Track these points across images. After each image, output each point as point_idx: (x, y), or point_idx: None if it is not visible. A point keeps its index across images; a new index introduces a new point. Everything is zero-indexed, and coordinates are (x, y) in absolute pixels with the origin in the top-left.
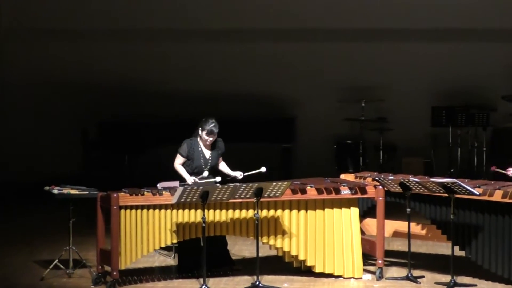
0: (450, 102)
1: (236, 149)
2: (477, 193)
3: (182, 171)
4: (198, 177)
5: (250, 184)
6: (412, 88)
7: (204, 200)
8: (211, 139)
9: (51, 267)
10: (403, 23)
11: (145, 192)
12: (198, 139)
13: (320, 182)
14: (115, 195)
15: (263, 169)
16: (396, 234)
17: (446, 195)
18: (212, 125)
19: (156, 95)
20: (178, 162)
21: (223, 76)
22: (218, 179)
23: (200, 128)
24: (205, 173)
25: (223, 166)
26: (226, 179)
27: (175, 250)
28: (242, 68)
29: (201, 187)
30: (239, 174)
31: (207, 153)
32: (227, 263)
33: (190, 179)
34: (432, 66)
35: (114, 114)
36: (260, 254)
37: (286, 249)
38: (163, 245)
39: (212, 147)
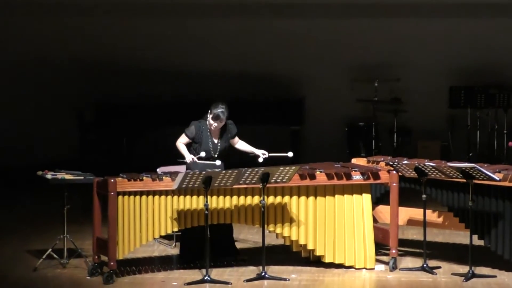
0: (469, 82)
1: (241, 132)
2: (497, 179)
3: (183, 149)
4: (196, 156)
5: (256, 169)
6: (429, 67)
7: (207, 185)
8: (216, 124)
9: (44, 257)
10: None
11: (144, 177)
12: (207, 122)
13: (330, 167)
14: (112, 180)
15: (290, 154)
16: (411, 222)
17: (464, 180)
18: (220, 110)
19: (157, 74)
20: (181, 141)
21: (227, 54)
22: (218, 162)
23: (209, 112)
24: (202, 153)
25: (242, 145)
26: (249, 155)
27: (176, 239)
28: (247, 46)
29: (204, 172)
30: (262, 153)
31: (216, 137)
32: (231, 253)
33: (188, 157)
34: (450, 43)
35: (111, 94)
36: (266, 243)
37: (294, 238)
38: (163, 234)
39: (222, 131)
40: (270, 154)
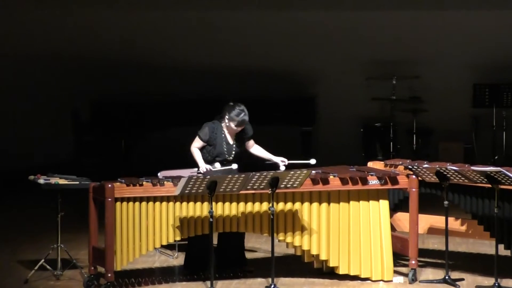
0: (494, 79)
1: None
2: None
3: (198, 156)
4: (213, 169)
5: (265, 173)
6: (451, 63)
7: (211, 191)
8: (239, 129)
9: (36, 268)
10: None
11: (144, 182)
12: (222, 124)
13: (344, 171)
14: (109, 185)
15: (313, 161)
16: (432, 231)
17: (490, 185)
18: (242, 114)
19: (158, 70)
20: (196, 145)
21: (232, 49)
22: (235, 166)
23: (227, 116)
24: (217, 165)
25: (258, 150)
26: (265, 163)
27: (179, 249)
28: (253, 40)
29: (208, 176)
30: (281, 161)
31: (231, 139)
32: (240, 263)
33: (203, 167)
34: (474, 37)
35: (109, 92)
36: (276, 253)
37: (305, 247)
38: (164, 243)
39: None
40: (290, 162)
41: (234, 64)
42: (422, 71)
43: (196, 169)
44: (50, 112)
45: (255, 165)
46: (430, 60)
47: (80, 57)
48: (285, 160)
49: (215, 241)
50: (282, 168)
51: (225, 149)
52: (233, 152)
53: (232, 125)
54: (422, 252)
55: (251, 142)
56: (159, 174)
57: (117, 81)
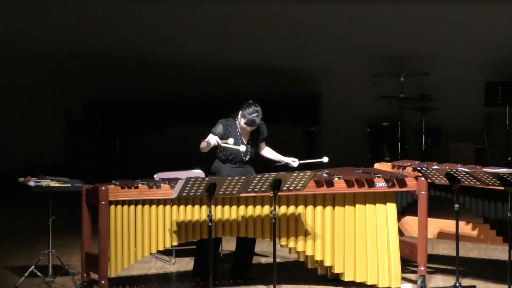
0: (508, 77)
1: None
2: None
3: (205, 140)
4: (222, 141)
5: (266, 175)
6: (462, 59)
7: (210, 194)
8: (249, 128)
9: (26, 274)
10: None
11: (139, 185)
12: (237, 121)
13: (350, 173)
14: (103, 188)
15: (325, 159)
16: (442, 235)
17: (503, 188)
18: (255, 114)
19: (156, 67)
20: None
21: (232, 45)
22: (243, 148)
23: (241, 112)
24: (230, 140)
25: (269, 152)
26: (275, 164)
27: (176, 255)
28: (253, 35)
29: (207, 179)
30: (292, 161)
31: (246, 139)
32: (244, 269)
33: (212, 139)
34: (487, 32)
35: (103, 90)
36: (278, 259)
37: (309, 253)
38: (161, 249)
39: (253, 131)
40: (302, 162)
41: (235, 61)
42: (431, 67)
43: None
44: (41, 110)
45: (265, 167)
46: (440, 56)
47: (73, 53)
48: (296, 159)
49: (232, 246)
50: (295, 165)
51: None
52: (249, 152)
53: (242, 122)
54: (432, 258)
55: (263, 144)
56: (155, 176)
57: (112, 79)
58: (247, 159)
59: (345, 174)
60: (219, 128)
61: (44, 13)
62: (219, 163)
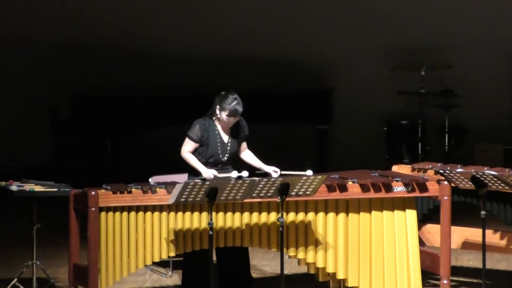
0: None
1: (254, 133)
2: None
3: (194, 161)
4: (222, 175)
5: (273, 179)
6: (489, 51)
7: (211, 199)
8: (233, 120)
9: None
10: None
11: (133, 189)
12: (214, 119)
13: (365, 176)
14: (93, 193)
15: (309, 172)
16: (467, 245)
17: None
18: (235, 102)
19: (151, 60)
20: (187, 149)
21: (234, 36)
22: (245, 174)
23: (218, 106)
24: (234, 174)
25: (249, 156)
26: (255, 172)
27: (173, 267)
28: (261, 25)
29: (207, 183)
30: (273, 171)
31: (226, 137)
32: (245, 282)
33: (207, 173)
34: None
35: (92, 85)
36: (286, 271)
37: (320, 265)
38: (156, 260)
39: (232, 128)
40: (284, 173)
41: (238, 53)
42: (455, 60)
43: (198, 179)
44: (24, 108)
45: (249, 169)
46: (465, 48)
47: (58, 44)
48: (278, 170)
49: (214, 256)
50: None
51: (219, 149)
52: (228, 151)
53: (224, 115)
54: (456, 270)
55: (244, 145)
56: (150, 179)
57: (102, 73)
58: (225, 159)
59: (360, 178)
60: (196, 129)
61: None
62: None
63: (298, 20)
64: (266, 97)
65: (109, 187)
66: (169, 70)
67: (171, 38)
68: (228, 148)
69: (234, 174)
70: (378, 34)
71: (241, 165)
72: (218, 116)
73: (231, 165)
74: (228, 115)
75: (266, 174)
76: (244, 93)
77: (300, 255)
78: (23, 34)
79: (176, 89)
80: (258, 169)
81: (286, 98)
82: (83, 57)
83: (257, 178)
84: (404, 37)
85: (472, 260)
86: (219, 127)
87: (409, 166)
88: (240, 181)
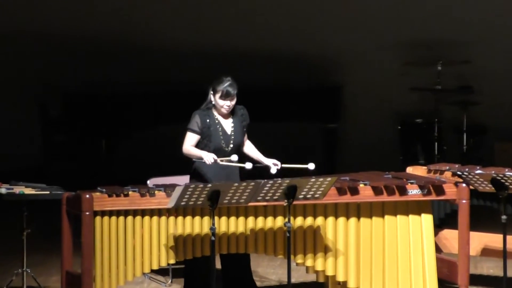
0: None
1: (260, 132)
2: None
3: (194, 150)
4: (223, 159)
5: (279, 180)
6: (511, 45)
7: (213, 203)
8: (228, 103)
9: None
10: None
11: (130, 192)
12: (212, 108)
13: (378, 178)
14: (87, 196)
15: (311, 165)
16: (486, 252)
17: None
18: (227, 83)
19: (150, 53)
20: (190, 143)
21: (237, 29)
22: (249, 165)
23: (212, 92)
24: (234, 157)
25: (250, 148)
26: (254, 165)
27: (172, 275)
28: (266, 18)
29: (209, 185)
30: (273, 164)
31: (228, 126)
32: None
33: (208, 156)
34: None
35: (86, 80)
36: (293, 280)
37: (329, 272)
38: (155, 268)
39: (233, 117)
40: (284, 166)
41: (242, 47)
42: (474, 54)
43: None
44: (12, 105)
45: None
46: (483, 41)
47: (49, 36)
48: (278, 163)
49: (217, 264)
50: (274, 171)
51: (222, 140)
52: (232, 142)
53: (218, 98)
54: (475, 279)
55: (245, 136)
56: (148, 182)
57: (96, 67)
58: (229, 148)
59: (372, 180)
60: (196, 120)
61: None
62: (201, 162)
63: (304, 12)
64: (271, 93)
65: (104, 190)
66: (168, 65)
67: (170, 30)
68: (232, 138)
69: (235, 157)
70: (391, 25)
71: (242, 157)
72: (213, 102)
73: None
74: (221, 97)
75: (266, 168)
76: (249, 89)
77: (309, 262)
78: (9, 24)
79: (177, 84)
80: (258, 162)
81: (292, 95)
82: (75, 50)
83: (262, 180)
84: (419, 29)
85: (492, 268)
86: (219, 117)
87: (425, 167)
88: (244, 184)
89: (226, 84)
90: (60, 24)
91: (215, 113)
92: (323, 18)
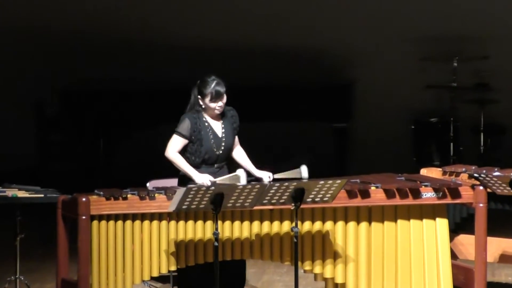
0: None
1: (264, 132)
2: None
3: (184, 165)
4: (219, 178)
5: (286, 183)
6: None
7: (216, 206)
8: (220, 103)
9: None
10: None
11: (129, 195)
12: (203, 113)
13: (390, 180)
14: (84, 199)
15: (304, 169)
16: (505, 258)
17: None
18: (214, 83)
19: (150, 50)
20: (175, 148)
21: (240, 24)
22: (241, 172)
23: (199, 96)
24: (241, 173)
25: (240, 156)
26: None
27: (173, 283)
28: (273, 11)
29: (212, 188)
30: (266, 175)
31: (219, 129)
32: None
33: (202, 178)
34: None
35: (83, 78)
36: (301, 287)
37: (339, 280)
38: (155, 275)
39: (223, 119)
40: (276, 176)
41: (250, 44)
42: (492, 50)
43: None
44: (5, 104)
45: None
46: (502, 36)
47: (45, 31)
48: (271, 174)
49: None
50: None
51: (213, 144)
52: (223, 146)
53: (208, 101)
54: (492, 287)
55: (236, 139)
56: (148, 184)
57: (94, 63)
58: (220, 152)
59: (384, 182)
60: (186, 125)
61: None
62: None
63: (313, 5)
64: (279, 91)
65: (101, 193)
66: (170, 62)
67: (172, 26)
68: (223, 142)
69: (243, 178)
70: (404, 20)
71: (233, 164)
72: (203, 105)
73: (226, 165)
74: (211, 99)
75: (258, 180)
76: (254, 87)
77: (317, 269)
78: (7, 21)
79: (178, 82)
80: (251, 174)
81: (301, 93)
82: (71, 47)
83: (268, 183)
84: (434, 24)
85: (511, 275)
86: (209, 119)
87: (440, 169)
88: (249, 186)
89: (213, 85)
90: (57, 19)
91: (205, 115)
92: (334, 13)
